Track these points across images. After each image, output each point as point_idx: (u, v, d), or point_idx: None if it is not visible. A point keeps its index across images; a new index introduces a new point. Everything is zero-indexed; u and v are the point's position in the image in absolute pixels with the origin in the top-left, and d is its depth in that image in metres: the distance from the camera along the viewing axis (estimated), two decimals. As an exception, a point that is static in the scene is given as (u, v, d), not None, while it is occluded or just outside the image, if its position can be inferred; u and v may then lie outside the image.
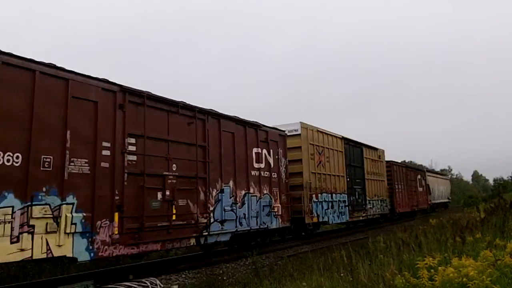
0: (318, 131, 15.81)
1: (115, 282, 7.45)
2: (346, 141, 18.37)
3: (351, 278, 5.46)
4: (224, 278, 8.51)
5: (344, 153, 17.82)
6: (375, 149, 22.17)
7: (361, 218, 19.24)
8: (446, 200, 41.14)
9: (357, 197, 18.73)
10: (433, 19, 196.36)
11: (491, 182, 72.74)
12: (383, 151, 23.12)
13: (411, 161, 55.06)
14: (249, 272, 8.96)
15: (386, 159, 23.93)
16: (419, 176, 30.01)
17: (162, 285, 7.57)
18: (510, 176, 53.62)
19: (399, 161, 31.05)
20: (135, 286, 7.25)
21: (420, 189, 29.80)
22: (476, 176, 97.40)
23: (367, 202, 19.78)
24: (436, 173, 44.59)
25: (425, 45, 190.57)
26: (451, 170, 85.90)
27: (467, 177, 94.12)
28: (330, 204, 15.91)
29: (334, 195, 16.33)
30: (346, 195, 17.36)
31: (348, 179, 17.78)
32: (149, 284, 7.36)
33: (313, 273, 6.50)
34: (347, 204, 17.39)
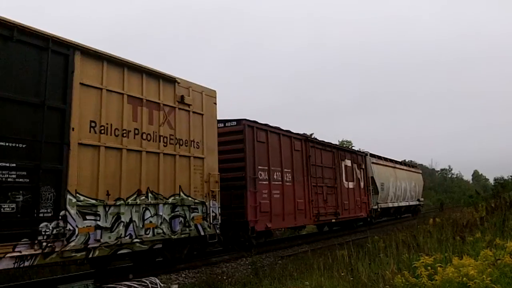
0: None
1: (115, 281, 7.44)
2: None
3: (351, 277, 5.46)
4: (224, 277, 8.49)
5: None
6: (170, 80, 8.71)
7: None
8: (416, 203, 27.56)
9: None
10: (436, 17, 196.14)
11: (491, 181, 72.58)
12: (212, 92, 10.03)
13: (411, 160, 54.56)
14: (249, 271, 8.95)
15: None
16: (347, 162, 17.86)
17: (162, 285, 7.55)
18: (510, 176, 53.42)
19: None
20: (135, 285, 7.23)
21: (350, 184, 17.75)
22: (476, 175, 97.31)
23: (66, 210, 6.37)
24: (395, 162, 25.24)
25: (426, 44, 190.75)
26: (451, 169, 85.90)
27: (468, 177, 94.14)
28: None
29: None
30: None
31: None
32: (149, 283, 7.35)
33: (313, 273, 6.51)
34: None
